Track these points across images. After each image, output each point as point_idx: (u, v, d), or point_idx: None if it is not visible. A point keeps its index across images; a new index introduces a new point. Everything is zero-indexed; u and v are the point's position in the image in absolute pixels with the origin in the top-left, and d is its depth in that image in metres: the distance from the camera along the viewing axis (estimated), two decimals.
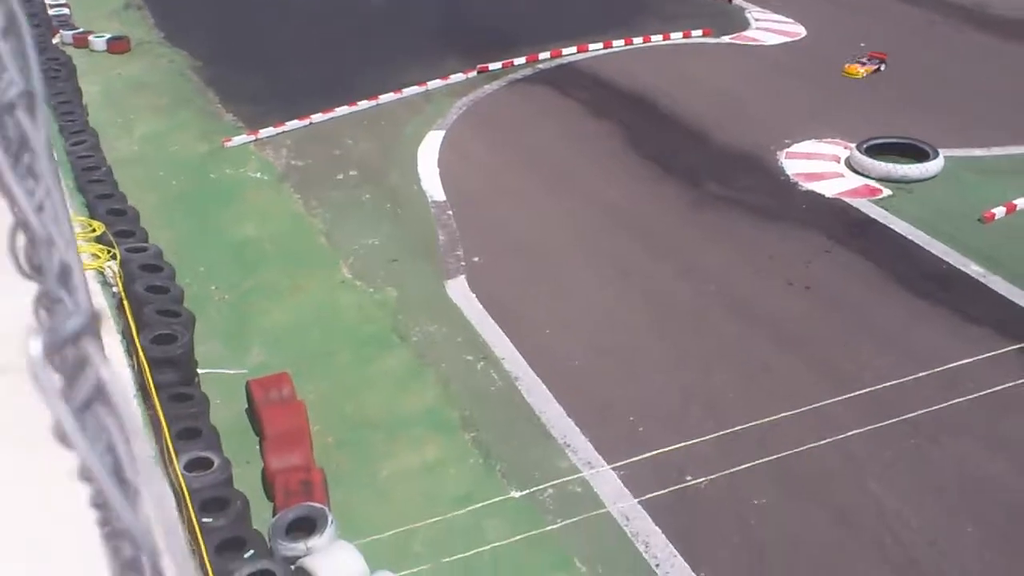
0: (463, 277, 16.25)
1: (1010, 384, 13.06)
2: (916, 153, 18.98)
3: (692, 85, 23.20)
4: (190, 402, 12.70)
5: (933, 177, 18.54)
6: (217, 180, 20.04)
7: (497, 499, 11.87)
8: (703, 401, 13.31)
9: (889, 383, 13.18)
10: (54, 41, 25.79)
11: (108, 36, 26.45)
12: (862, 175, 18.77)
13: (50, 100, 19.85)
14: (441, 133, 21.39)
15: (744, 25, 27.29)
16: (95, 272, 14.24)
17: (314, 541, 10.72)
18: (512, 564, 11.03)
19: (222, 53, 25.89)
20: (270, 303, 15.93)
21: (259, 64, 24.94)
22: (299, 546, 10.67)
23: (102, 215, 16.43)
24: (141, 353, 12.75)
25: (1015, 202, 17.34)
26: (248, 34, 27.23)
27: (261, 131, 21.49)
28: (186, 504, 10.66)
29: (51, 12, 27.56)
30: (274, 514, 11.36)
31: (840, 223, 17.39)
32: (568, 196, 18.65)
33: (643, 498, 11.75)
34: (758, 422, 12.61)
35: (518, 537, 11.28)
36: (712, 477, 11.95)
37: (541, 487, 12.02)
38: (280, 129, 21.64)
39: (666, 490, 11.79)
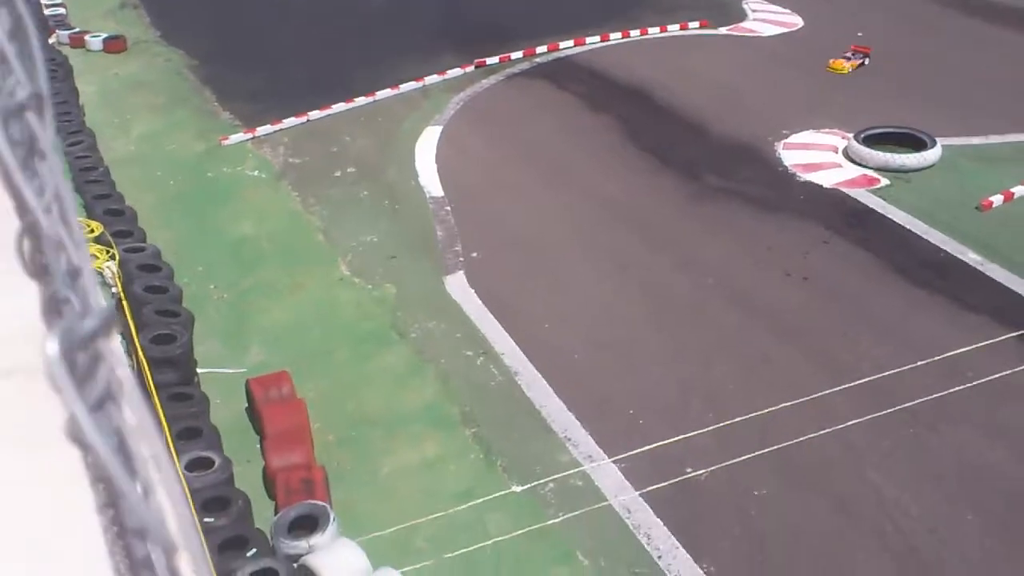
0: (462, 273, 16.26)
1: (1008, 372, 13.07)
2: (914, 142, 18.98)
3: (689, 77, 23.19)
4: (190, 402, 12.72)
5: (931, 166, 18.53)
6: (215, 179, 20.05)
7: (498, 494, 11.89)
8: (703, 393, 13.32)
9: (888, 372, 13.20)
10: (50, 41, 25.80)
11: (104, 35, 26.46)
12: (860, 165, 18.77)
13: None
14: (439, 128, 21.39)
15: (741, 16, 27.27)
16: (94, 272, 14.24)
17: (316, 539, 10.75)
18: (514, 558, 11.06)
19: (218, 52, 25.88)
20: (269, 301, 15.95)
21: (256, 62, 24.93)
22: (302, 544, 10.70)
23: (100, 215, 16.45)
24: (140, 353, 12.78)
25: (1013, 190, 17.33)
26: (244, 32, 27.23)
27: (258, 129, 21.49)
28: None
29: (47, 12, 27.56)
30: (276, 512, 11.39)
31: (838, 213, 17.40)
32: (566, 190, 18.65)
33: (644, 491, 11.77)
34: (758, 413, 12.62)
35: (520, 531, 11.31)
36: (712, 469, 11.97)
37: (542, 481, 12.05)
38: (277, 127, 21.64)
39: (667, 482, 11.81)
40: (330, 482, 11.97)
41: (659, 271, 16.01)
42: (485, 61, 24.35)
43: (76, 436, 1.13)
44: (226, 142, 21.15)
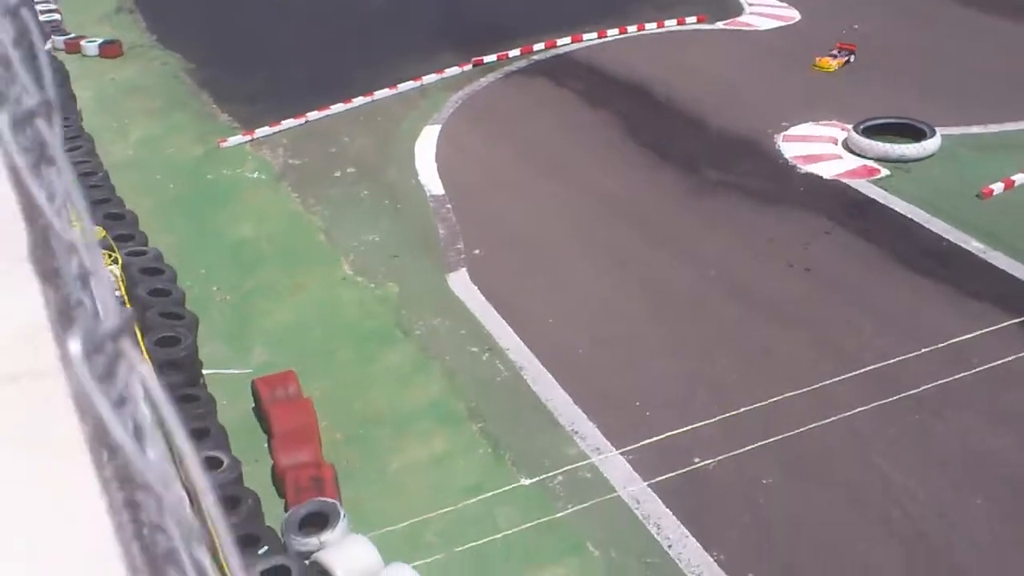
0: (464, 270, 16.28)
1: (1012, 358, 13.10)
2: (913, 132, 19.01)
3: (687, 72, 23.20)
4: (196, 403, 12.73)
5: (931, 156, 18.57)
6: (214, 181, 20.06)
7: (507, 488, 11.92)
8: (708, 385, 13.35)
9: (891, 360, 13.22)
10: (46, 47, 25.79)
11: (100, 41, 26.46)
12: (860, 156, 18.80)
13: None
14: (437, 127, 21.40)
15: (738, 10, 27.28)
16: None
17: (327, 535, 10.77)
18: (524, 551, 11.09)
19: (215, 54, 25.88)
20: (272, 303, 15.96)
21: (253, 64, 24.93)
22: (313, 540, 10.73)
23: (101, 219, 16.44)
24: (146, 356, 12.79)
25: (1013, 178, 17.37)
26: (241, 35, 27.22)
27: (257, 131, 21.50)
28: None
29: (42, 18, 27.55)
30: (286, 510, 11.41)
31: (839, 204, 17.42)
32: (566, 186, 18.67)
33: (652, 481, 11.80)
34: (763, 403, 12.65)
35: (529, 524, 11.33)
36: (720, 459, 11.99)
37: (551, 474, 12.07)
38: (276, 128, 21.65)
39: (675, 473, 11.84)
40: (339, 479, 12.00)
41: (661, 265, 16.03)
42: (483, 59, 24.36)
43: (100, 434, 1.14)
44: (225, 144, 21.15)
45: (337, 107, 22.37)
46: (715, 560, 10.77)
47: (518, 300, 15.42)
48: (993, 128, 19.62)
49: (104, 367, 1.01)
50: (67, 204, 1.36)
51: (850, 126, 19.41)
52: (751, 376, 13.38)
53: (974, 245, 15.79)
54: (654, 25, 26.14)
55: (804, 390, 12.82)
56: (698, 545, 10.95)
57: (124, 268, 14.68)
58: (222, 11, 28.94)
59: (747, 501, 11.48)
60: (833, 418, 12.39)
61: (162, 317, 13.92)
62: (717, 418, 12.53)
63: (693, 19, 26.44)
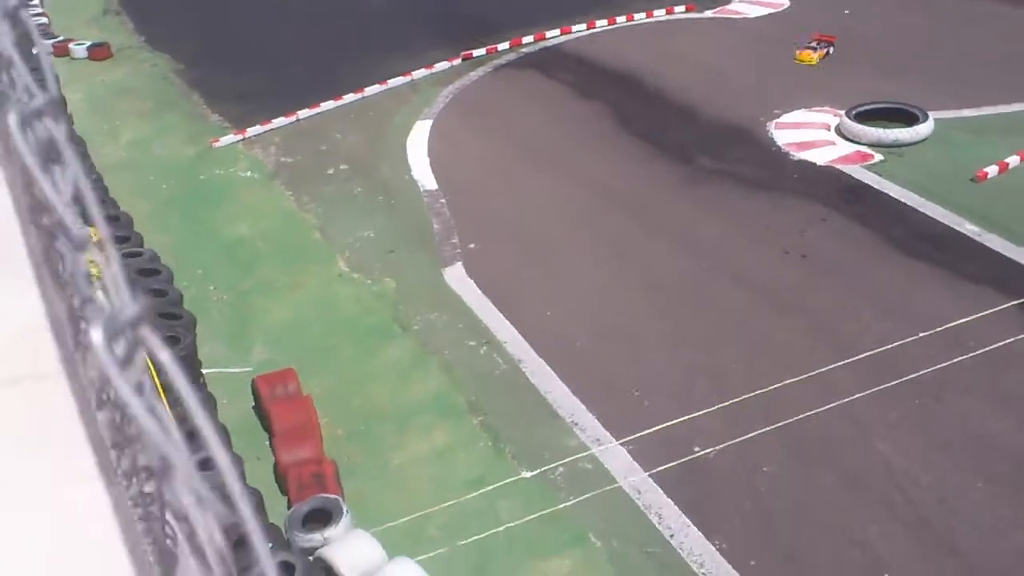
0: (460, 264, 16.28)
1: (1010, 340, 13.13)
2: (906, 117, 19.02)
3: (678, 61, 23.20)
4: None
5: (924, 140, 18.58)
6: (207, 181, 20.03)
7: (508, 480, 11.93)
8: (707, 373, 13.35)
9: (890, 345, 13.25)
10: (34, 51, 25.69)
11: (88, 43, 26.39)
12: (853, 142, 18.82)
13: None
14: (429, 122, 21.39)
15: None
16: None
17: (330, 531, 10.78)
18: (527, 543, 11.10)
19: (204, 55, 25.83)
20: (269, 301, 15.95)
21: (242, 64, 24.90)
22: (316, 537, 10.74)
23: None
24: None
25: (1007, 160, 17.38)
26: (229, 34, 27.18)
27: (248, 130, 21.47)
28: None
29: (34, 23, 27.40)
30: (289, 507, 11.41)
31: (834, 190, 17.43)
32: (560, 178, 18.66)
33: (653, 471, 11.82)
34: (763, 391, 12.67)
35: (532, 516, 11.35)
36: (720, 447, 12.01)
37: (551, 466, 12.08)
38: (267, 127, 21.62)
39: (676, 462, 11.85)
40: (341, 475, 12.00)
41: (657, 255, 16.04)
42: (472, 53, 24.36)
43: (115, 426, 1.15)
44: (217, 144, 21.13)
45: (328, 104, 22.35)
46: (717, 549, 10.79)
47: (515, 293, 15.43)
48: (986, 111, 19.62)
49: (124, 355, 1.03)
50: (77, 199, 1.36)
51: (842, 112, 19.41)
52: (750, 364, 13.39)
53: (969, 228, 15.81)
54: (643, 15, 26.14)
55: (803, 377, 12.84)
56: (699, 534, 10.97)
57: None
58: (210, 11, 28.90)
59: (748, 489, 11.50)
60: (833, 404, 12.41)
61: (160, 317, 13.89)
62: (717, 406, 12.55)
63: (682, 8, 26.46)
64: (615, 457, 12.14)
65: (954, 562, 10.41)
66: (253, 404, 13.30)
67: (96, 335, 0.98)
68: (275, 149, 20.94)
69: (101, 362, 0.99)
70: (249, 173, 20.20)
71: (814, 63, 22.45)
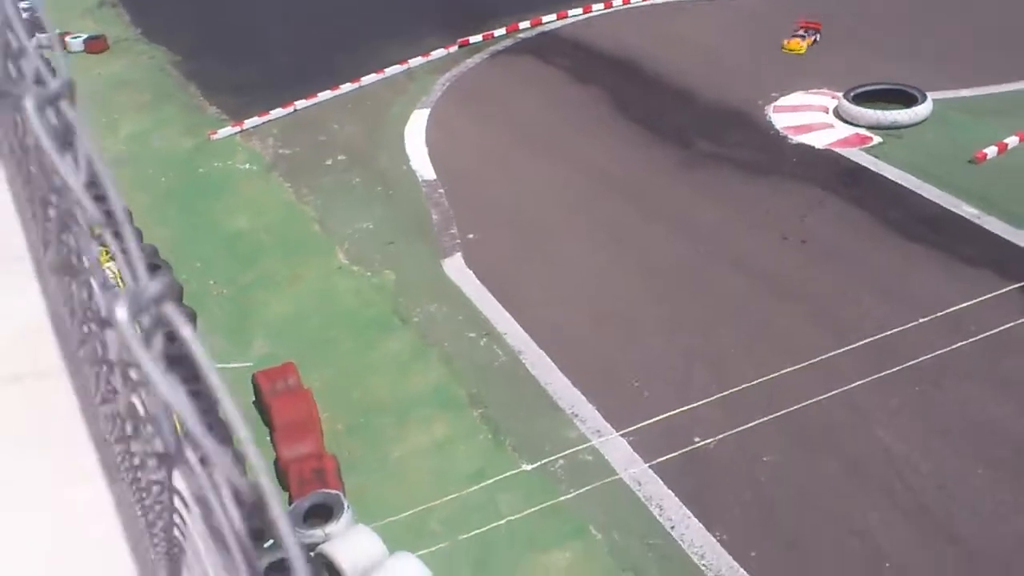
0: (459, 255, 16.26)
1: (1011, 324, 13.10)
2: (904, 98, 18.92)
3: (674, 44, 23.10)
4: (197, 398, 12.71)
5: (923, 121, 18.50)
6: (206, 174, 20.01)
7: (509, 473, 11.95)
8: (706, 361, 13.35)
9: (891, 331, 13.23)
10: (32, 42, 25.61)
11: (85, 36, 26.29)
12: (851, 124, 18.75)
13: None
14: (426, 111, 21.33)
15: None
16: None
17: (332, 527, 10.81)
18: (528, 536, 11.13)
19: (201, 46, 25.75)
20: (269, 294, 15.95)
21: (239, 55, 24.82)
22: (317, 533, 10.77)
23: None
24: None
25: (1006, 141, 17.32)
26: (225, 26, 27.08)
27: (246, 122, 21.43)
28: None
29: (24, 16, 27.33)
30: (289, 503, 11.44)
31: (832, 174, 17.39)
32: (558, 165, 18.62)
33: (654, 462, 11.83)
34: (762, 379, 12.67)
35: (532, 509, 11.37)
36: (720, 437, 12.02)
37: (552, 458, 12.10)
38: (265, 118, 21.57)
39: (676, 453, 11.87)
40: (342, 470, 12.02)
41: (656, 241, 16.01)
42: (468, 40, 24.26)
43: (132, 411, 1.18)
44: (215, 137, 21.09)
45: (325, 94, 22.29)
46: (718, 540, 10.82)
47: (514, 283, 15.42)
48: (985, 91, 19.53)
49: (148, 330, 1.07)
50: (94, 182, 1.41)
51: (840, 94, 19.33)
52: (750, 351, 13.39)
53: (968, 211, 15.76)
54: None
55: (804, 364, 12.83)
56: (700, 525, 10.99)
57: None
58: (206, 2, 28.76)
59: (748, 479, 11.51)
60: (834, 391, 12.41)
61: None
62: (716, 396, 12.55)
63: None
64: (615, 448, 12.16)
65: (954, 549, 10.44)
66: (253, 399, 13.32)
67: (120, 312, 1.01)
68: (273, 140, 20.90)
69: (123, 339, 1.03)
70: (247, 165, 20.17)
71: (803, 51, 22.06)
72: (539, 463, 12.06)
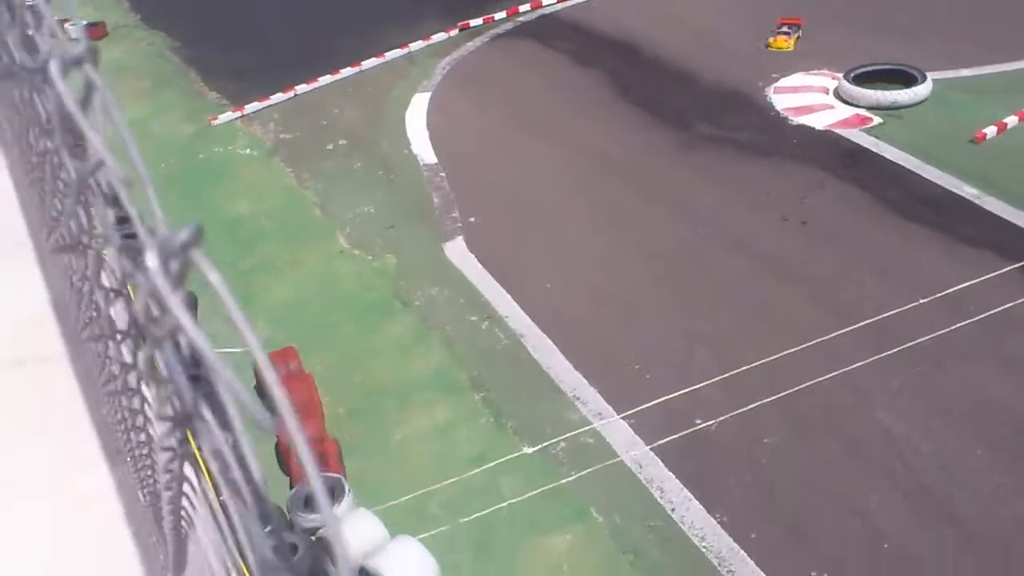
0: (461, 238, 16.27)
1: (1011, 304, 13.09)
2: (904, 78, 18.87)
3: (674, 26, 23.02)
4: (198, 383, 12.75)
5: (923, 101, 18.44)
6: (206, 160, 20.02)
7: (510, 456, 11.99)
8: (707, 343, 13.37)
9: (891, 312, 13.23)
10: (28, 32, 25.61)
11: (84, 23, 26.24)
12: (852, 105, 18.70)
13: None
14: (427, 95, 21.31)
15: None
16: None
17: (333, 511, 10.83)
18: (530, 519, 11.17)
19: (200, 32, 25.72)
20: (270, 279, 15.97)
21: (238, 40, 24.78)
22: (318, 517, 10.79)
23: None
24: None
25: (1006, 120, 17.27)
26: (225, 11, 27.02)
27: (246, 107, 21.42)
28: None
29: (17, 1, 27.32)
30: (291, 487, 11.48)
31: (833, 155, 17.35)
32: (559, 148, 18.61)
33: (655, 444, 11.86)
34: (763, 360, 12.67)
35: (534, 492, 11.41)
36: (721, 419, 12.05)
37: (553, 441, 12.13)
38: (265, 103, 21.56)
39: (677, 435, 11.89)
40: (343, 454, 12.07)
41: (656, 224, 16.01)
42: (469, 23, 24.22)
43: (150, 369, 1.21)
44: (215, 122, 21.10)
45: (325, 79, 22.27)
46: (718, 522, 10.85)
47: (515, 266, 15.43)
48: (985, 70, 19.45)
49: (175, 275, 1.12)
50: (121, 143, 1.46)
51: (840, 75, 19.28)
52: (751, 332, 13.40)
53: (968, 191, 15.73)
54: None
55: (805, 345, 12.84)
56: (701, 507, 11.03)
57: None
58: None
59: (749, 461, 11.54)
60: (835, 372, 12.42)
61: None
62: (717, 378, 12.57)
63: None
64: (617, 431, 12.19)
65: (954, 531, 10.47)
66: (254, 384, 13.33)
67: (151, 258, 1.07)
68: (274, 125, 20.90)
69: (152, 286, 1.08)
70: (248, 150, 20.18)
71: (791, 48, 21.48)
72: (540, 446, 12.09)
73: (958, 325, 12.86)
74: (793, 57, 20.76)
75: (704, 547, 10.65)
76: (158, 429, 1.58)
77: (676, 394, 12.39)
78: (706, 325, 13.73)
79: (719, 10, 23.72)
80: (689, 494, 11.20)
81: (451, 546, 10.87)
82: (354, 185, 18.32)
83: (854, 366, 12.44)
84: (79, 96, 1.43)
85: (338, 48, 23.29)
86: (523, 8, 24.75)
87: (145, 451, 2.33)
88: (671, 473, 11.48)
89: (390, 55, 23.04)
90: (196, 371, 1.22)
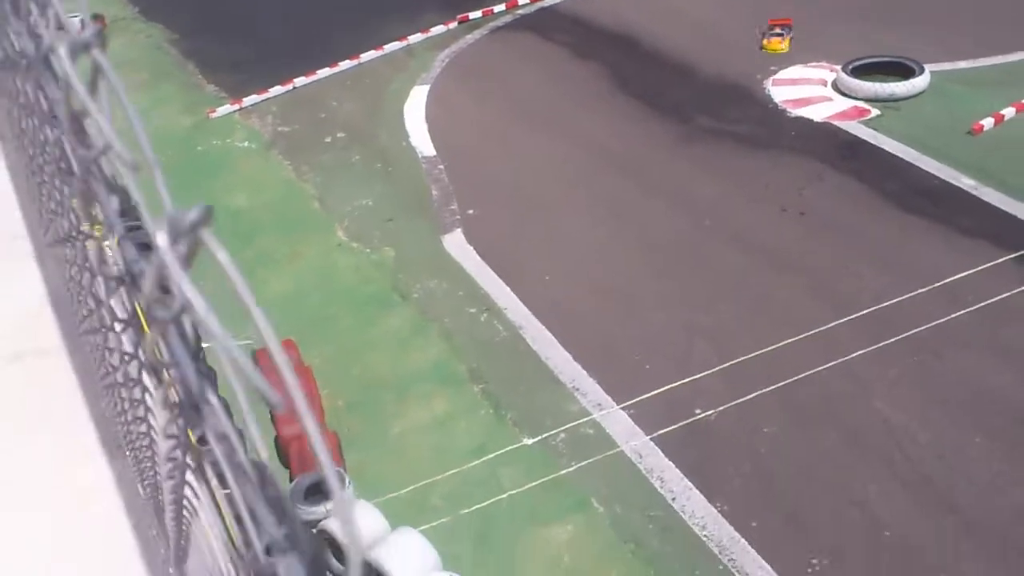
0: (459, 231, 16.27)
1: (1008, 294, 13.13)
2: (902, 70, 18.88)
3: (673, 18, 23.00)
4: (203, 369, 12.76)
5: (920, 93, 18.47)
6: (205, 152, 20.00)
7: (510, 447, 12.01)
8: (707, 334, 13.39)
9: (889, 302, 13.26)
10: None
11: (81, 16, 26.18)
12: (850, 97, 18.71)
13: None
14: (426, 88, 21.29)
15: None
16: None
17: (332, 504, 10.85)
18: (530, 510, 11.20)
19: (199, 24, 25.66)
20: (268, 272, 15.96)
21: (237, 33, 24.73)
22: (319, 510, 10.81)
23: None
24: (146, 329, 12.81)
25: (1003, 112, 17.30)
26: (223, 3, 26.95)
27: (245, 100, 21.39)
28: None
29: None
30: (290, 480, 11.50)
31: (831, 147, 17.37)
32: (558, 141, 18.60)
33: (655, 434, 11.89)
34: (762, 351, 12.70)
35: (534, 483, 11.43)
36: (721, 409, 12.07)
37: (553, 432, 12.15)
38: (264, 96, 21.53)
39: (677, 425, 11.92)
40: (343, 446, 12.08)
41: (655, 216, 16.02)
42: (468, 16, 24.19)
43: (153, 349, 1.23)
44: (214, 115, 21.06)
45: (324, 72, 22.24)
46: (719, 511, 10.89)
47: (514, 258, 15.44)
48: (982, 62, 19.48)
49: (187, 253, 1.14)
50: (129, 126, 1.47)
51: (839, 67, 19.29)
52: (750, 323, 13.43)
53: (965, 182, 15.77)
54: None
55: (803, 335, 12.86)
56: (701, 497, 11.06)
57: (119, 243, 14.66)
58: None
59: (749, 451, 11.58)
60: (833, 362, 12.45)
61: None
62: (717, 368, 12.60)
63: None
64: (616, 422, 12.22)
65: (952, 519, 10.51)
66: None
67: (161, 237, 1.08)
68: (272, 118, 20.88)
69: (163, 264, 1.09)
70: (247, 143, 20.16)
71: (786, 49, 21.11)
72: (540, 437, 12.12)
73: (956, 315, 12.89)
74: (788, 57, 20.73)
75: (705, 536, 10.68)
76: (160, 417, 1.59)
77: (676, 384, 12.42)
78: (705, 316, 13.75)
79: (718, 3, 23.70)
80: (689, 483, 11.23)
81: (452, 537, 10.89)
82: (352, 178, 18.31)
83: (853, 356, 12.48)
84: (86, 81, 1.44)
85: (337, 41, 23.26)
86: (522, 1, 24.72)
87: (145, 442, 2.34)
88: (671, 463, 11.52)
89: (389, 48, 23.01)
90: (199, 363, 1.23)
